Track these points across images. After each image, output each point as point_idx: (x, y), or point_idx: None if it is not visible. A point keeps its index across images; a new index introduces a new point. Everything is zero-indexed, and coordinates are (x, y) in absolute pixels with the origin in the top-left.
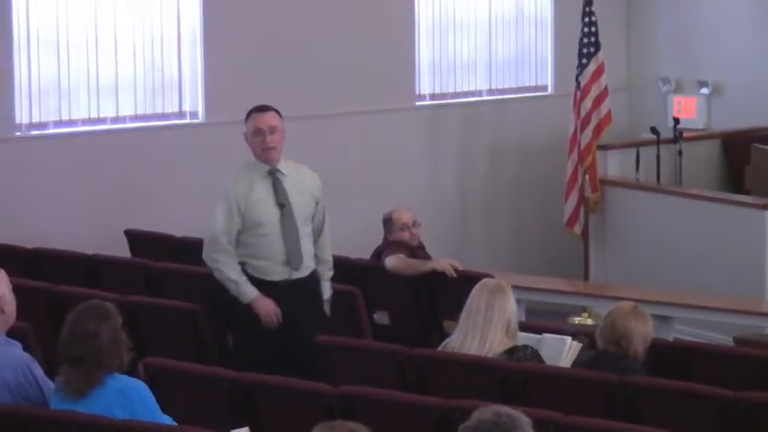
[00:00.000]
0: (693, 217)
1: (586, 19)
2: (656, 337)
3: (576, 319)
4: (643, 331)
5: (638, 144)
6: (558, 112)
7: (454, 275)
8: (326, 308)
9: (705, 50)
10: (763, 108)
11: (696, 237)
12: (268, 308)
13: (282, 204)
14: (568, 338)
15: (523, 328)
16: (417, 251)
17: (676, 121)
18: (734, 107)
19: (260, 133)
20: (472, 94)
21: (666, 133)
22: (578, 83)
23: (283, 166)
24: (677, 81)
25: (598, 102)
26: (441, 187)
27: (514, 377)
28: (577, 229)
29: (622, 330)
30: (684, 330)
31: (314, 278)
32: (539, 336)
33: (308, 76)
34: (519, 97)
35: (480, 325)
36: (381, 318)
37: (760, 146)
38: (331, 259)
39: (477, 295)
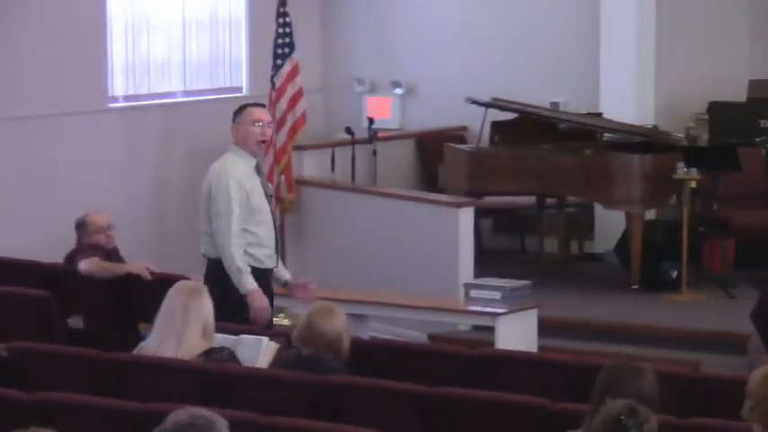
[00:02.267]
0: (389, 216)
1: (281, 20)
2: (353, 335)
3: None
4: (339, 330)
5: (334, 144)
6: None
7: (149, 278)
8: None
9: (398, 51)
10: (455, 108)
11: (392, 235)
12: (263, 304)
13: (270, 195)
14: (265, 339)
15: (220, 329)
16: (112, 254)
17: (371, 121)
18: (427, 107)
19: (260, 125)
20: (167, 95)
21: (362, 134)
22: (273, 84)
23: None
24: (372, 82)
25: (293, 103)
26: (138, 190)
27: (213, 379)
28: None
29: (319, 329)
30: (380, 328)
31: None
32: (236, 337)
33: None
34: (214, 98)
35: (177, 327)
36: (76, 322)
37: (452, 145)
38: None
39: (173, 297)
